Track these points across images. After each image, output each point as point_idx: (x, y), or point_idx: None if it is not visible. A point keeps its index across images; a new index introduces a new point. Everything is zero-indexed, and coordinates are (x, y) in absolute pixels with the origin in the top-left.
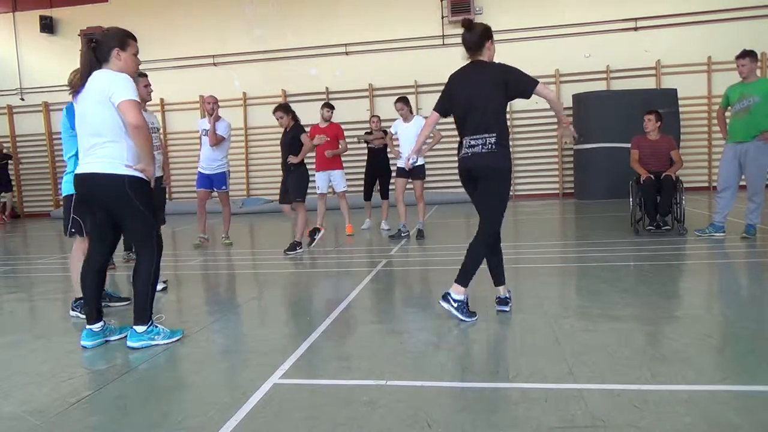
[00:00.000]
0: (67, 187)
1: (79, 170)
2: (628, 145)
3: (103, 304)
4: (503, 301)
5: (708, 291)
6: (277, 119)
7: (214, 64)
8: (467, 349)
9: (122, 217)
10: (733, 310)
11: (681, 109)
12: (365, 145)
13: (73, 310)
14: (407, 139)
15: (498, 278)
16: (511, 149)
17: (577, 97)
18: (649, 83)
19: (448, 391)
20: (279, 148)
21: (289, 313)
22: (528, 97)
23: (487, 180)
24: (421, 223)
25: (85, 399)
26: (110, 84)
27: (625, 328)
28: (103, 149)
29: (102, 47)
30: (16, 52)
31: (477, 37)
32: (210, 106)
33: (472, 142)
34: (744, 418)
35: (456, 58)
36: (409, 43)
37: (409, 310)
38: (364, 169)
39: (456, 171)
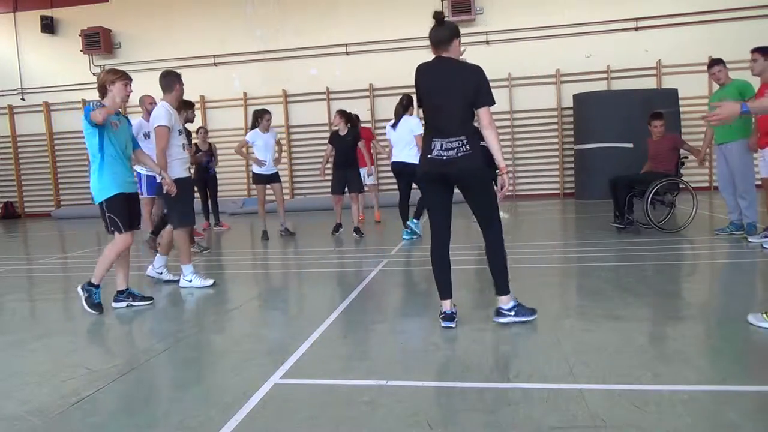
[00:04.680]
0: (104, 192)
1: (405, 160)
2: (629, 145)
3: (126, 304)
4: (448, 317)
5: (708, 291)
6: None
7: (215, 64)
8: (467, 349)
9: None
10: (734, 310)
11: (681, 109)
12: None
13: (82, 290)
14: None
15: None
16: (512, 149)
17: (577, 97)
18: (649, 83)
19: (448, 391)
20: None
21: (289, 313)
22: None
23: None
24: (282, 224)
25: (85, 399)
26: (413, 124)
27: (626, 328)
28: (411, 150)
29: (407, 104)
30: (17, 52)
31: (449, 32)
32: (152, 106)
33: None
34: (744, 418)
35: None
36: (409, 43)
37: (410, 310)
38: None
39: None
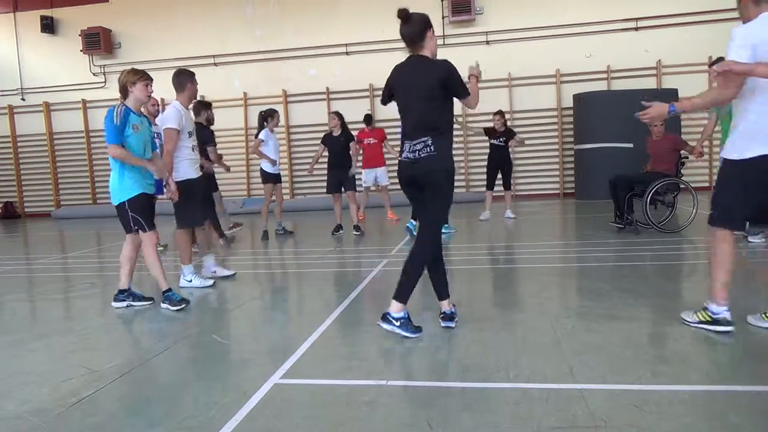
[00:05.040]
0: (127, 192)
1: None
2: (629, 145)
3: (126, 304)
4: (448, 317)
5: (708, 291)
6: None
7: (215, 64)
8: (467, 349)
9: None
10: (734, 310)
11: None
12: (487, 139)
13: (162, 302)
14: None
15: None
16: (511, 149)
17: (577, 97)
18: (649, 83)
19: (448, 391)
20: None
21: (289, 313)
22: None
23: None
24: (279, 223)
25: (85, 399)
26: None
27: (626, 328)
28: None
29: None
30: (17, 52)
31: (417, 27)
32: (154, 108)
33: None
34: (744, 418)
35: (457, 58)
36: None
37: (410, 310)
38: (486, 163)
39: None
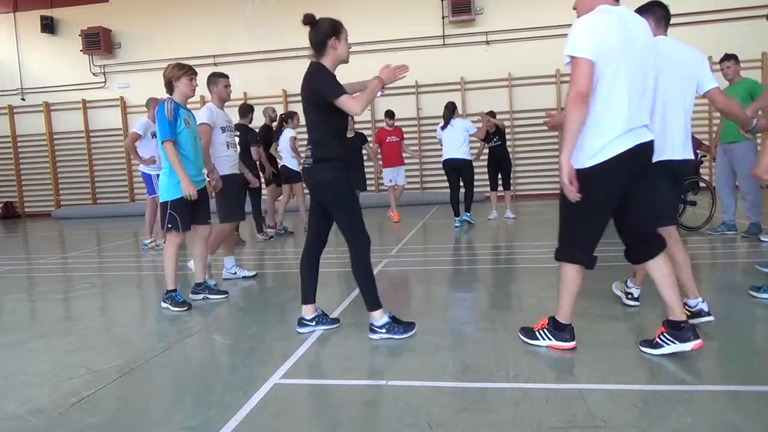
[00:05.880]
0: (173, 193)
1: (459, 156)
2: None
3: (202, 296)
4: (308, 322)
5: (708, 291)
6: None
7: (215, 64)
8: (467, 349)
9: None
10: (734, 310)
11: None
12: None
13: (164, 302)
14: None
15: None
16: (511, 149)
17: None
18: None
19: (448, 391)
20: None
21: (289, 313)
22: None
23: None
24: (281, 222)
25: (85, 399)
26: (468, 125)
27: (626, 328)
28: (463, 148)
29: (453, 108)
30: (17, 52)
31: (319, 35)
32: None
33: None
34: (744, 418)
35: (457, 58)
36: (409, 43)
37: (409, 310)
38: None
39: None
